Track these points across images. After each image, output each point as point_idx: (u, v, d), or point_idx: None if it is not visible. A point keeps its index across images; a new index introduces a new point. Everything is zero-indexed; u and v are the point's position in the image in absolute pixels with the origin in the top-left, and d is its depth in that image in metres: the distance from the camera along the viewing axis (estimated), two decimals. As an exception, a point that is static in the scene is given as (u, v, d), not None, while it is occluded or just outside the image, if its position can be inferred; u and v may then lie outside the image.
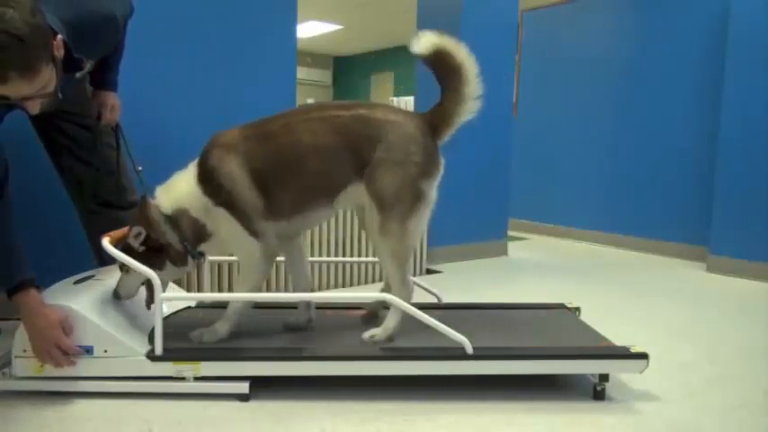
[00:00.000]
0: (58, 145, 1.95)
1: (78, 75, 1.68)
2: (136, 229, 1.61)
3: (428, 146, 1.67)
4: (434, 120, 1.70)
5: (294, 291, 1.94)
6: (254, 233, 1.67)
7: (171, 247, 1.65)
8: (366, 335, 1.71)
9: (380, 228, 1.66)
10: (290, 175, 1.65)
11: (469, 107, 1.69)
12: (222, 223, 1.66)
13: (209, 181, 1.64)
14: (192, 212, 1.65)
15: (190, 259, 1.69)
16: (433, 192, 1.70)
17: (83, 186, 1.99)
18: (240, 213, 1.64)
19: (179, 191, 1.67)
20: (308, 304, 1.86)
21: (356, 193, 1.69)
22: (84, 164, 1.95)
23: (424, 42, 1.66)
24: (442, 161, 1.72)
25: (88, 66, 1.69)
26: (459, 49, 1.67)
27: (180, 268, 1.70)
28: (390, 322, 1.72)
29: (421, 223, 1.70)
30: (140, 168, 1.93)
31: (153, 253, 1.64)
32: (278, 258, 2.56)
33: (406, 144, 1.64)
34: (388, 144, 1.63)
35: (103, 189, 1.98)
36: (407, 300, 1.71)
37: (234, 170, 1.62)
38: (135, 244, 1.62)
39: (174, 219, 1.65)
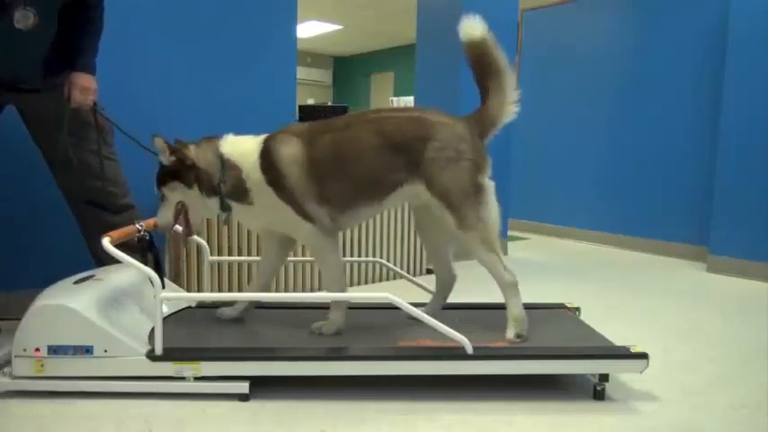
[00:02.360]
0: (44, 147, 1.96)
1: (19, 24, 1.69)
2: (158, 141, 1.72)
3: (476, 144, 1.75)
4: (479, 121, 1.78)
5: (251, 286, 1.98)
6: (307, 217, 1.72)
7: (207, 175, 1.73)
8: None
9: (460, 225, 1.72)
10: (348, 169, 1.72)
11: (511, 110, 1.79)
12: (274, 204, 1.71)
13: (268, 161, 1.70)
14: (243, 175, 1.72)
15: (215, 203, 1.75)
16: (489, 182, 1.76)
17: (68, 187, 1.99)
18: (289, 197, 1.70)
19: (246, 153, 1.73)
20: (248, 306, 1.92)
21: (410, 193, 1.76)
22: (64, 165, 1.94)
23: (472, 29, 1.74)
24: (490, 159, 1.79)
25: (32, 18, 1.70)
26: (501, 56, 1.76)
27: (204, 201, 1.75)
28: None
29: (493, 210, 1.75)
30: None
31: (186, 168, 1.72)
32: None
33: (458, 143, 1.72)
34: (441, 143, 1.71)
35: (87, 190, 1.97)
36: (514, 283, 1.75)
37: (293, 156, 1.69)
38: (164, 159, 1.73)
39: (225, 163, 1.73)
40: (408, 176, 1.73)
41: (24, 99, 1.89)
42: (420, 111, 1.80)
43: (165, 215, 1.78)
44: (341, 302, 1.80)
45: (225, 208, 1.77)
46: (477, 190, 1.72)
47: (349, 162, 1.71)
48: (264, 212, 1.76)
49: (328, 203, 1.73)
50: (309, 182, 1.70)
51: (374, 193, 1.76)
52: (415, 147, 1.71)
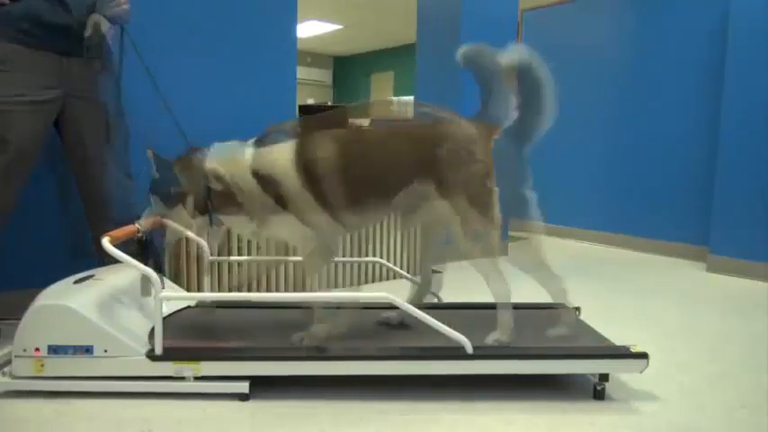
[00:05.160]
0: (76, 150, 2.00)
1: None
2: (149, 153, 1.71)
3: (485, 147, 1.73)
4: (489, 125, 1.76)
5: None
6: (307, 224, 1.68)
7: (192, 196, 1.70)
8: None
9: (466, 232, 1.70)
10: (354, 170, 1.66)
11: (542, 123, 1.88)
12: (272, 213, 1.67)
13: (264, 169, 1.65)
14: (230, 180, 1.67)
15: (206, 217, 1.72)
16: (495, 188, 1.73)
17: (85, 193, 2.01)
18: (291, 205, 1.65)
19: (230, 160, 1.68)
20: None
21: (418, 192, 1.71)
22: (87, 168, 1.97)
23: (512, 56, 1.81)
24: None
25: None
26: (544, 71, 1.81)
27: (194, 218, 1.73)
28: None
29: (497, 219, 1.73)
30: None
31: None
32: (271, 257, 2.57)
33: (469, 144, 1.69)
34: (454, 144, 1.68)
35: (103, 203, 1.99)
36: (508, 296, 1.75)
37: (291, 163, 1.65)
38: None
39: (213, 176, 1.68)
40: (416, 176, 1.69)
41: (71, 103, 1.93)
42: (432, 108, 1.79)
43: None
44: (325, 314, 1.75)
45: (215, 220, 1.74)
46: (488, 194, 1.70)
47: (358, 164, 1.67)
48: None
49: (332, 209, 1.69)
50: (309, 187, 1.66)
51: (381, 196, 1.72)
52: (427, 145, 1.68)
